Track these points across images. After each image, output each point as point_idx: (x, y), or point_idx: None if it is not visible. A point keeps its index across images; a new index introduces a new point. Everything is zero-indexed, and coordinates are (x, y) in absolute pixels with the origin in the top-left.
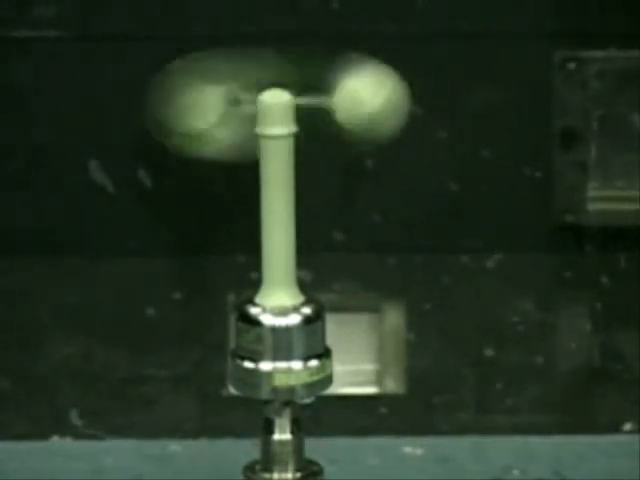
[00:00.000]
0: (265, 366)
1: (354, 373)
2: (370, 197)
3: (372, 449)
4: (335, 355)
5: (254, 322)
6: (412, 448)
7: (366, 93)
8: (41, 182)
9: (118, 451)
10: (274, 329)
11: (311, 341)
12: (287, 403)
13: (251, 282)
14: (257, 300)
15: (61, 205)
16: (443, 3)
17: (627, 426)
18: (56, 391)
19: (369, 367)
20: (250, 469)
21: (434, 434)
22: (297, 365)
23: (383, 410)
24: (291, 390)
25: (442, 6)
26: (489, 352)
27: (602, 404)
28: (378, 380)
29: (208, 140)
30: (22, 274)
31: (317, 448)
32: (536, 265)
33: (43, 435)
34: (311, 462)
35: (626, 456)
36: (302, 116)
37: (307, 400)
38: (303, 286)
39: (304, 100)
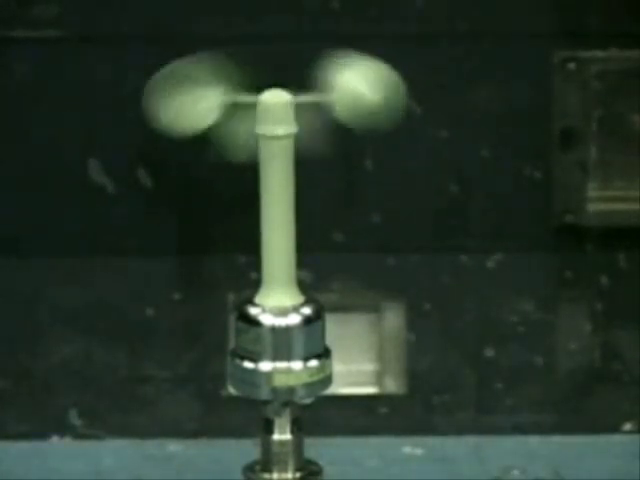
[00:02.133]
0: (265, 366)
1: (354, 373)
2: (370, 197)
3: (372, 449)
4: (335, 355)
5: (254, 322)
6: (412, 448)
7: (365, 88)
8: (41, 182)
9: (117, 451)
10: (274, 329)
11: (311, 341)
12: (287, 403)
13: (251, 282)
14: (257, 300)
15: (61, 204)
16: (443, 3)
17: (627, 426)
18: (56, 391)
19: (369, 367)
20: (250, 469)
21: (434, 434)
22: (297, 365)
23: (383, 410)
24: (291, 390)
25: (442, 6)
26: (489, 352)
27: (602, 404)
28: (378, 380)
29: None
30: (22, 274)
31: (317, 448)
32: (536, 265)
33: (42, 435)
34: (311, 462)
35: (626, 456)
36: (302, 116)
37: (307, 400)
38: (303, 286)
39: (302, 98)
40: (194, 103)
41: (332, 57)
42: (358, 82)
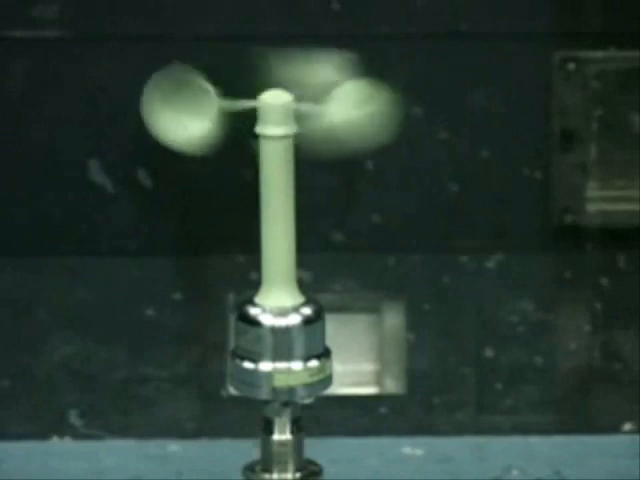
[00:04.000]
0: (265, 366)
1: (354, 373)
2: (370, 197)
3: (372, 449)
4: (335, 355)
5: (254, 322)
6: (412, 448)
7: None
8: (41, 182)
9: (118, 451)
10: (274, 329)
11: (311, 341)
12: (287, 403)
13: (251, 282)
14: (257, 300)
15: (61, 205)
16: (443, 3)
17: (627, 426)
18: (56, 391)
19: (369, 367)
20: (250, 469)
21: (434, 434)
22: (297, 365)
23: (383, 410)
24: (291, 390)
25: (442, 6)
26: (489, 352)
27: (602, 404)
28: (378, 380)
29: (207, 140)
30: (22, 274)
31: (317, 448)
32: (536, 265)
33: (43, 435)
34: (311, 462)
35: (626, 456)
36: (302, 116)
37: (307, 400)
38: (303, 286)
39: (299, 106)
40: (190, 111)
41: (328, 62)
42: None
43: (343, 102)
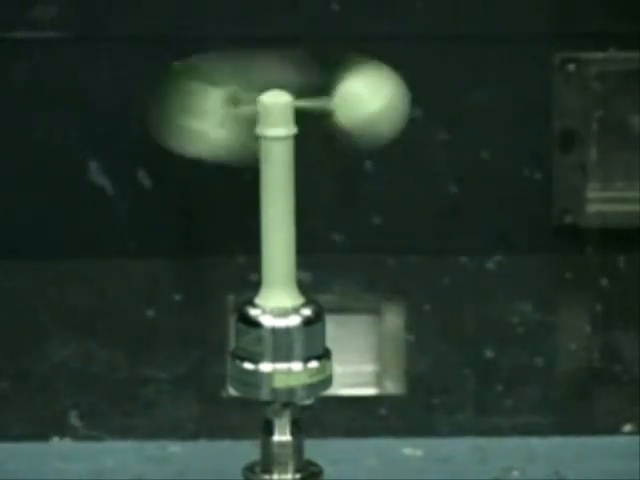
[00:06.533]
0: (265, 367)
1: (354, 374)
2: (370, 198)
3: (372, 450)
4: (335, 356)
5: (254, 323)
6: (412, 449)
7: (366, 94)
8: (41, 182)
9: (118, 452)
10: (274, 330)
11: (311, 342)
12: (287, 404)
13: (251, 283)
14: (257, 301)
15: (61, 205)
16: (443, 4)
17: (627, 427)
18: (56, 392)
19: (369, 368)
20: (250, 470)
21: (434, 435)
22: (297, 366)
23: (383, 411)
24: (291, 391)
25: (442, 7)
26: (489, 353)
27: (602, 405)
28: (378, 381)
29: (208, 141)
30: (22, 274)
31: (317, 449)
32: (536, 266)
33: (43, 436)
34: (311, 463)
35: (626, 457)
36: (302, 117)
37: (307, 401)
38: (303, 287)
39: (304, 102)
40: (196, 103)
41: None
42: (360, 88)
43: (350, 98)
